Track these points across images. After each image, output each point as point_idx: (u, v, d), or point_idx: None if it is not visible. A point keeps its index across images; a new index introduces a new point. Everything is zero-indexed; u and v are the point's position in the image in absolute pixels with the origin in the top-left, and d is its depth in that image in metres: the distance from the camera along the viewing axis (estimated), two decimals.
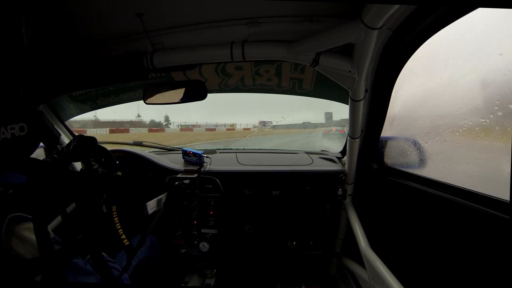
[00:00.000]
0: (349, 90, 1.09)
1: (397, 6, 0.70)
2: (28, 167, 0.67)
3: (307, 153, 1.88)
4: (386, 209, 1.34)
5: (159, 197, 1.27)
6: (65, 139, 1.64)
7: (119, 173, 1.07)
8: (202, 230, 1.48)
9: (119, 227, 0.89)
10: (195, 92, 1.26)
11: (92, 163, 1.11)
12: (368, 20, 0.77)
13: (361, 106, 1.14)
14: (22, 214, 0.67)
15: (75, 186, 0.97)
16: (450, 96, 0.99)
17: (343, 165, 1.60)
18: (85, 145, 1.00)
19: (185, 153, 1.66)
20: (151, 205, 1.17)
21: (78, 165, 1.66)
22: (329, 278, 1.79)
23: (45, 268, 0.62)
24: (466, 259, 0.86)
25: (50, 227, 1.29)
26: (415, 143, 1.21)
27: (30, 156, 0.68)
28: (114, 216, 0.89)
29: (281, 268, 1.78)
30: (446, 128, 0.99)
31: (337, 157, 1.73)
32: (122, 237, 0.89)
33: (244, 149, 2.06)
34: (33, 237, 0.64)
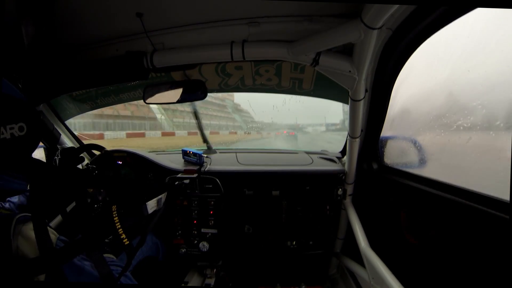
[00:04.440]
0: (349, 90, 1.09)
1: (397, 6, 0.70)
2: (28, 168, 0.67)
3: (307, 153, 1.88)
4: (386, 208, 1.34)
5: (159, 196, 1.27)
6: (65, 139, 1.64)
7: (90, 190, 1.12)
8: (202, 230, 1.49)
9: (119, 226, 0.89)
10: (195, 92, 1.26)
11: (89, 166, 1.12)
12: (368, 20, 0.77)
13: (361, 106, 1.14)
14: (27, 214, 0.67)
15: (76, 185, 0.97)
16: (451, 95, 0.99)
17: (343, 165, 1.60)
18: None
19: (185, 153, 1.67)
20: (151, 205, 1.17)
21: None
22: (329, 278, 1.79)
23: (45, 268, 0.62)
24: (466, 259, 0.86)
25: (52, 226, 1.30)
26: (415, 143, 1.21)
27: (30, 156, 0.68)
28: (114, 215, 0.90)
29: (281, 268, 1.78)
30: (446, 127, 0.99)
31: (337, 157, 1.73)
32: (122, 237, 0.89)
33: (244, 149, 2.06)
34: None
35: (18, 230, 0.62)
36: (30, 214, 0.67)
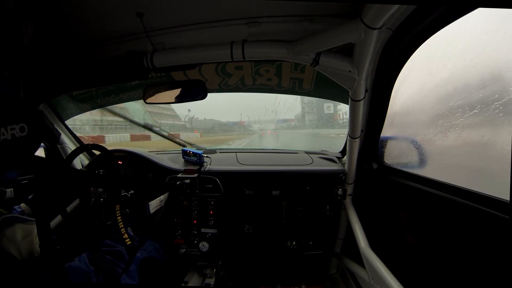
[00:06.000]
0: (349, 90, 1.09)
1: (397, 6, 0.70)
2: (33, 166, 0.67)
3: (307, 153, 1.89)
4: (386, 209, 1.34)
5: (161, 197, 1.28)
6: (65, 139, 1.64)
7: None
8: (202, 230, 1.49)
9: (122, 226, 0.89)
10: (195, 92, 1.26)
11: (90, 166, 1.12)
12: (368, 20, 0.77)
13: (361, 106, 1.14)
14: (14, 215, 0.67)
15: (79, 185, 0.97)
16: (450, 95, 0.99)
17: (343, 165, 1.60)
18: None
19: (185, 153, 1.67)
20: (153, 205, 1.18)
21: (78, 165, 1.67)
22: (329, 278, 1.79)
23: (46, 268, 0.62)
24: (466, 259, 0.86)
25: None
26: (414, 143, 1.21)
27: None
28: (117, 215, 0.90)
29: (281, 268, 1.78)
30: (445, 127, 0.99)
31: (337, 157, 1.73)
32: (124, 237, 0.89)
33: (244, 149, 2.06)
34: (27, 239, 0.65)
35: (2, 232, 0.63)
36: (17, 216, 0.67)
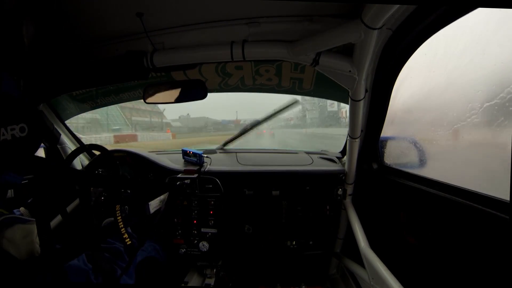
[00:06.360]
0: (349, 90, 1.09)
1: (397, 6, 0.70)
2: (33, 166, 0.67)
3: (307, 153, 1.89)
4: (386, 209, 1.34)
5: (161, 197, 1.28)
6: (65, 139, 1.64)
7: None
8: (202, 230, 1.49)
9: (122, 226, 0.89)
10: (195, 92, 1.26)
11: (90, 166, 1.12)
12: (368, 20, 0.77)
13: (361, 106, 1.14)
14: (14, 216, 0.67)
15: (80, 185, 0.97)
16: (451, 96, 0.99)
17: (343, 165, 1.60)
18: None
19: (185, 153, 1.67)
20: (153, 205, 1.18)
21: (78, 165, 1.67)
22: (329, 278, 1.80)
23: (46, 268, 0.62)
24: (466, 259, 0.86)
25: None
26: (414, 143, 1.21)
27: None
28: (117, 215, 0.90)
29: (281, 268, 1.78)
30: (446, 128, 0.99)
31: (337, 157, 1.73)
32: (124, 237, 0.89)
33: (244, 149, 2.06)
34: (27, 239, 0.65)
35: (3, 233, 0.63)
36: (17, 216, 0.67)
